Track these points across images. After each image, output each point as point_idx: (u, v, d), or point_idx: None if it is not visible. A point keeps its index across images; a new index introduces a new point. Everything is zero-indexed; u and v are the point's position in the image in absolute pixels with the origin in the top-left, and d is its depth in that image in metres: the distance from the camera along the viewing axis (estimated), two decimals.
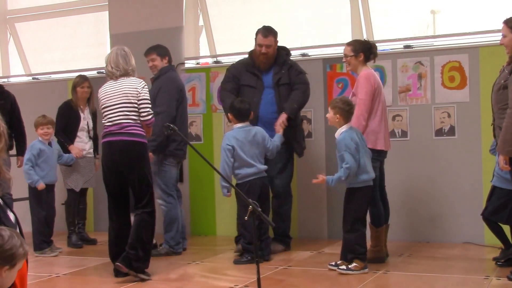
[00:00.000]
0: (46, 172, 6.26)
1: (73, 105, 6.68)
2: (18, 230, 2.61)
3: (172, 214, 5.96)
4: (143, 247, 4.96)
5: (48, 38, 8.59)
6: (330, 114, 5.01)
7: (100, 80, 7.58)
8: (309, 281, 4.83)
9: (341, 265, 4.99)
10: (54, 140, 6.52)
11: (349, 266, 4.92)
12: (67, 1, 8.37)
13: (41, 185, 6.18)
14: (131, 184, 5.03)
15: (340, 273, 4.92)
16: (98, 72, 7.84)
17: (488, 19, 6.24)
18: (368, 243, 5.22)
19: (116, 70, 5.05)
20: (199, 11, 7.57)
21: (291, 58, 6.10)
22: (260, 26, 6.02)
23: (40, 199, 6.25)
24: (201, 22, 7.61)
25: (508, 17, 4.75)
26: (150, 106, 5.05)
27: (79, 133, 6.64)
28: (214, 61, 7.37)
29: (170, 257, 5.89)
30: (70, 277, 5.25)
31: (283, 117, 5.79)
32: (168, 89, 5.90)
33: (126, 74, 5.06)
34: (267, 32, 5.92)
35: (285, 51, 6.06)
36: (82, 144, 6.66)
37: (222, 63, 7.23)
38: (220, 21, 7.55)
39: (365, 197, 5.03)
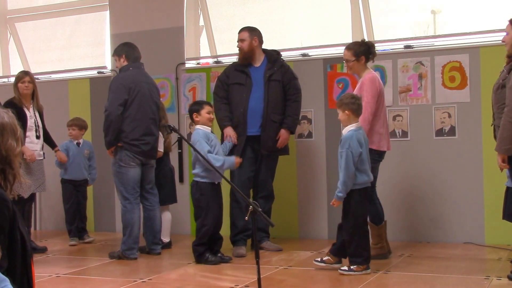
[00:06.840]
0: (71, 169, 6.75)
1: (16, 102, 6.04)
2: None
3: (126, 219, 5.81)
4: None
5: (48, 37, 8.58)
6: (340, 114, 5.00)
7: (100, 80, 7.64)
8: (309, 281, 4.82)
9: (327, 261, 5.05)
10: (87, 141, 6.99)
11: (351, 267, 4.91)
12: (66, 1, 8.36)
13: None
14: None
15: (342, 274, 4.91)
16: (98, 72, 7.84)
17: (489, 19, 6.23)
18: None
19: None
20: (199, 11, 7.57)
21: (290, 60, 6.11)
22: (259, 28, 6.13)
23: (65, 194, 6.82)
24: (201, 22, 7.61)
25: None
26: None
27: (28, 133, 6.01)
28: (215, 61, 7.36)
29: (170, 257, 5.89)
30: (70, 277, 5.24)
31: (285, 136, 5.92)
32: (114, 88, 5.82)
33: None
34: (242, 28, 6.10)
35: (275, 52, 6.12)
36: (33, 145, 6.05)
37: (223, 63, 7.21)
38: (221, 21, 7.55)
39: (365, 198, 5.04)
